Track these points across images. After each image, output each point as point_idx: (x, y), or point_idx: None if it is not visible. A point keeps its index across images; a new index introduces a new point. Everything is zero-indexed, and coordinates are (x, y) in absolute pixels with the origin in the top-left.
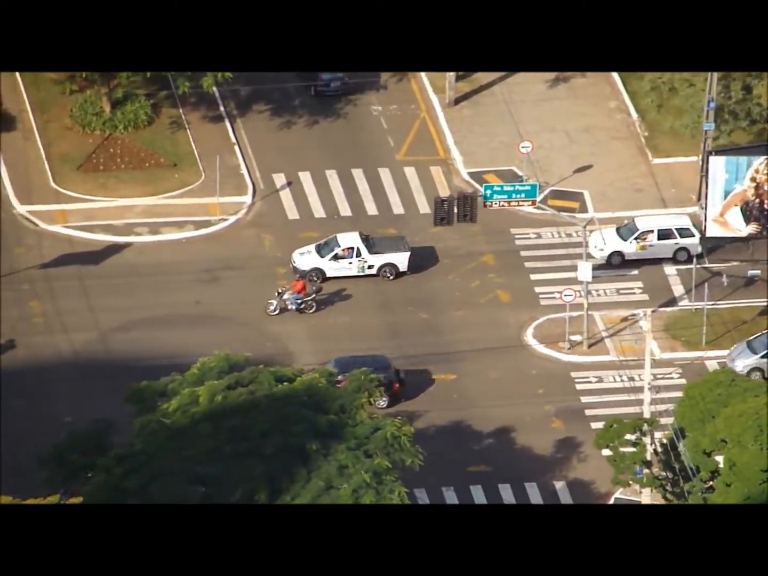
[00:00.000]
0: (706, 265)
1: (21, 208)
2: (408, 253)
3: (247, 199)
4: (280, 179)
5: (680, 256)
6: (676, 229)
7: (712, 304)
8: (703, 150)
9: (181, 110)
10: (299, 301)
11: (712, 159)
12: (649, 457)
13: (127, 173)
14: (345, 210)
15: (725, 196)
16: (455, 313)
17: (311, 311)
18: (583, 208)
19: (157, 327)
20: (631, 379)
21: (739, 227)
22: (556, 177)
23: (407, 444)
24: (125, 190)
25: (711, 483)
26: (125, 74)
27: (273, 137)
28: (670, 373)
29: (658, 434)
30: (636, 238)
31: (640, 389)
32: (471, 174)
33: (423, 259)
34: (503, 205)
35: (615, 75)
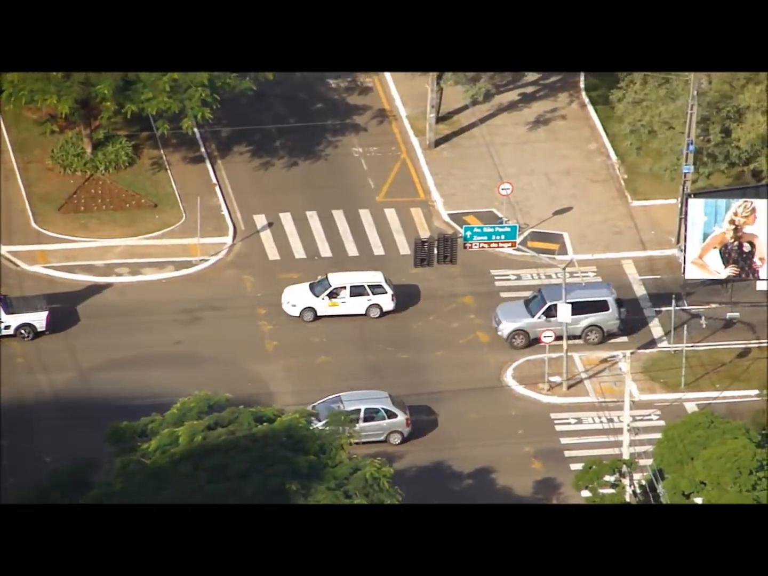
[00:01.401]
0: (686, 308)
1: (2, 249)
2: (46, 312)
3: (228, 239)
4: (260, 220)
5: (372, 313)
6: (369, 285)
7: (691, 346)
8: (682, 192)
9: (162, 151)
10: None
11: (691, 201)
12: (628, 499)
13: (108, 214)
14: (326, 251)
15: (704, 239)
16: (435, 353)
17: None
18: (563, 250)
19: (138, 367)
20: (611, 420)
21: (718, 269)
22: (536, 219)
23: (386, 485)
24: (106, 230)
25: None
26: (106, 115)
27: (254, 178)
28: (648, 415)
29: (637, 476)
30: (328, 295)
31: (619, 431)
32: (451, 215)
33: (403, 300)
34: (483, 247)
35: (595, 118)
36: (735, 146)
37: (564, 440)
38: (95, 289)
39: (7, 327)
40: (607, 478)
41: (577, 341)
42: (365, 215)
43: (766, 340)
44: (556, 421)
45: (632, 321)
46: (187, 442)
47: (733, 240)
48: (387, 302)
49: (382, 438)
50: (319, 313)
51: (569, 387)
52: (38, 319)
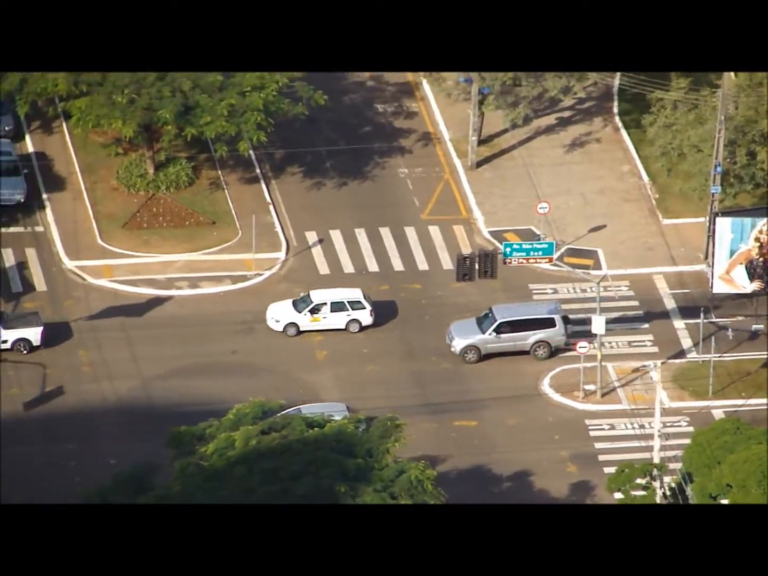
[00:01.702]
0: (713, 320)
1: (70, 263)
2: (41, 328)
3: (281, 255)
4: (312, 237)
5: (352, 328)
6: (348, 301)
7: (718, 357)
8: (710, 211)
9: (219, 172)
10: None
11: (719, 220)
12: (658, 501)
13: (168, 231)
14: (373, 266)
15: (731, 255)
16: (477, 363)
17: None
18: (597, 266)
19: (196, 375)
20: (642, 426)
21: (744, 284)
22: (572, 236)
23: (430, 487)
24: (167, 246)
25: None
26: (167, 139)
27: (305, 197)
28: (678, 421)
29: (667, 479)
30: (310, 311)
31: (651, 436)
32: (491, 233)
33: (447, 312)
34: (522, 262)
35: (628, 141)
36: (760, 168)
37: (598, 445)
38: (157, 301)
39: (5, 341)
40: (638, 480)
41: (612, 351)
42: (410, 232)
43: None
44: (590, 427)
45: (665, 333)
46: (242, 446)
47: (758, 256)
48: (366, 317)
49: None
50: (301, 329)
51: (603, 395)
52: (33, 334)
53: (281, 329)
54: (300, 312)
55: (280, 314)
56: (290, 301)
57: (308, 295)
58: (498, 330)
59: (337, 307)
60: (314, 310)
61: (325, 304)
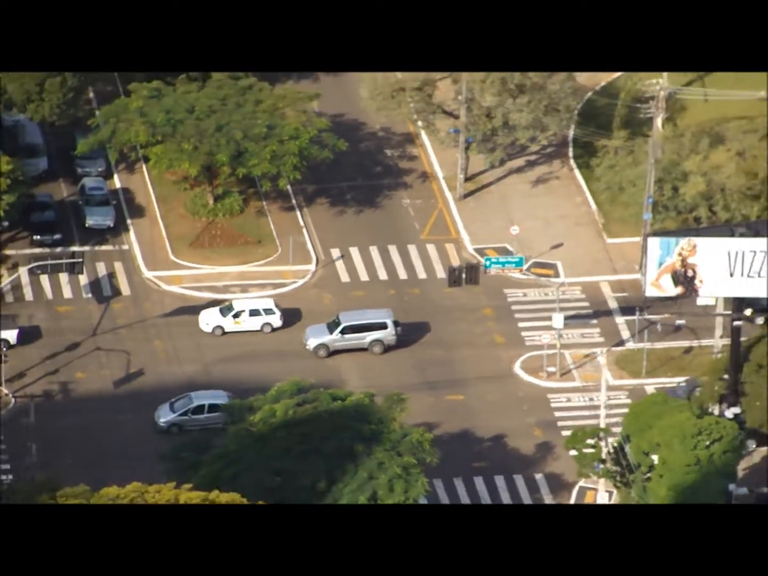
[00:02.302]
0: (646, 317)
1: (148, 274)
2: (17, 330)
3: (312, 267)
4: (335, 252)
5: (265, 329)
6: (263, 309)
7: (650, 345)
8: (644, 233)
9: (263, 202)
10: None
11: (650, 240)
12: (604, 457)
13: (224, 249)
14: (383, 275)
15: (659, 267)
16: (464, 351)
17: None
18: (557, 275)
19: (245, 360)
20: (591, 399)
21: (670, 290)
22: (537, 252)
23: (427, 446)
24: (223, 260)
25: (649, 475)
26: (223, 177)
27: (330, 222)
28: (619, 395)
29: (610, 440)
30: (233, 316)
31: (598, 407)
32: (475, 249)
33: (442, 312)
34: (498, 272)
35: (580, 178)
36: (682, 199)
37: (557, 414)
38: (215, 303)
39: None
40: (588, 441)
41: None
42: (412, 249)
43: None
44: (551, 400)
45: (608, 327)
46: (281, 415)
47: (681, 267)
48: (276, 321)
49: (220, 425)
50: (226, 330)
51: (561, 375)
52: (11, 335)
53: (210, 331)
54: (225, 317)
55: (209, 319)
56: (218, 308)
57: (231, 303)
58: (343, 332)
59: (254, 312)
60: (236, 315)
61: (245, 310)
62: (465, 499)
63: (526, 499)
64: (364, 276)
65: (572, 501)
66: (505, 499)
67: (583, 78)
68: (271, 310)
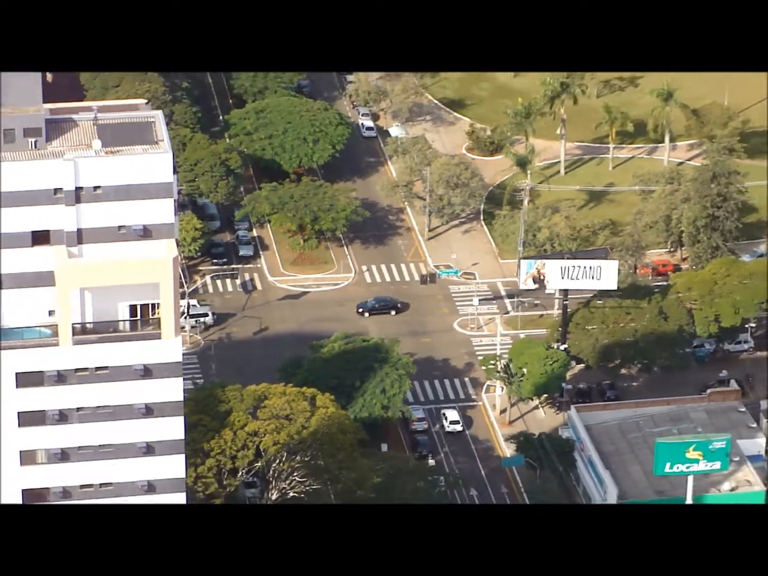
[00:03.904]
0: (521, 300)
1: (270, 279)
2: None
3: (351, 275)
4: (364, 268)
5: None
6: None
7: (522, 314)
8: (519, 257)
9: (327, 243)
10: None
11: (522, 261)
12: (499, 369)
13: (308, 266)
14: (385, 279)
15: (527, 274)
16: (428, 317)
17: None
18: (475, 278)
19: (321, 322)
20: (492, 341)
21: (531, 285)
22: (465, 267)
23: (410, 365)
24: (307, 272)
25: (521, 379)
26: (308, 228)
27: (361, 252)
28: (506, 339)
29: (502, 361)
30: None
31: (495, 345)
32: (434, 266)
33: (416, 297)
34: (446, 278)
35: (486, 230)
36: (537, 240)
37: (476, 348)
38: (303, 294)
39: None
40: (491, 362)
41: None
42: (402, 266)
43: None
44: (473, 342)
45: (501, 305)
46: (336, 349)
47: (537, 274)
48: (209, 319)
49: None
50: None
51: (478, 329)
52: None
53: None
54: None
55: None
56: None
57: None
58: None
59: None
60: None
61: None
62: (429, 392)
63: (459, 388)
64: (378, 279)
65: (483, 392)
66: (448, 387)
67: (487, 179)
68: (206, 314)
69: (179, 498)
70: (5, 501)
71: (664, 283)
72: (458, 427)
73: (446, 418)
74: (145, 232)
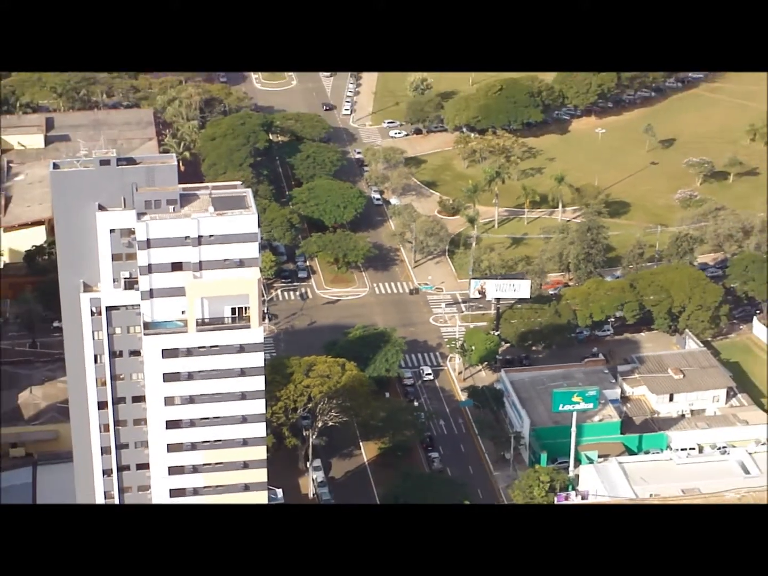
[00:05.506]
0: (471, 304)
1: (317, 291)
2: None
3: (366, 289)
4: (376, 287)
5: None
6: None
7: (472, 312)
8: (470, 278)
9: (352, 270)
10: None
11: (472, 281)
12: (458, 348)
13: (341, 284)
14: (388, 293)
15: (474, 287)
16: (414, 314)
17: None
18: (443, 291)
19: (351, 316)
20: (453, 330)
21: (477, 295)
22: (437, 284)
23: (402, 343)
24: (341, 287)
25: (471, 352)
26: (341, 262)
27: (373, 276)
28: (461, 329)
29: (458, 342)
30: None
31: (455, 332)
32: (419, 284)
33: (407, 304)
34: (425, 291)
35: (450, 262)
36: (482, 268)
37: (444, 335)
38: (338, 301)
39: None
40: (453, 343)
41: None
42: (399, 283)
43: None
44: (442, 331)
45: (459, 308)
46: (356, 335)
47: (481, 288)
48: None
49: None
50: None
51: (445, 322)
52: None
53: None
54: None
55: None
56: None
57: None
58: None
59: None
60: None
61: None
62: (414, 361)
63: (433, 359)
64: (383, 292)
65: (447, 361)
66: (426, 358)
67: (450, 230)
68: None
69: (260, 429)
70: (153, 431)
71: (559, 294)
72: (431, 377)
73: (423, 372)
74: (240, 263)
